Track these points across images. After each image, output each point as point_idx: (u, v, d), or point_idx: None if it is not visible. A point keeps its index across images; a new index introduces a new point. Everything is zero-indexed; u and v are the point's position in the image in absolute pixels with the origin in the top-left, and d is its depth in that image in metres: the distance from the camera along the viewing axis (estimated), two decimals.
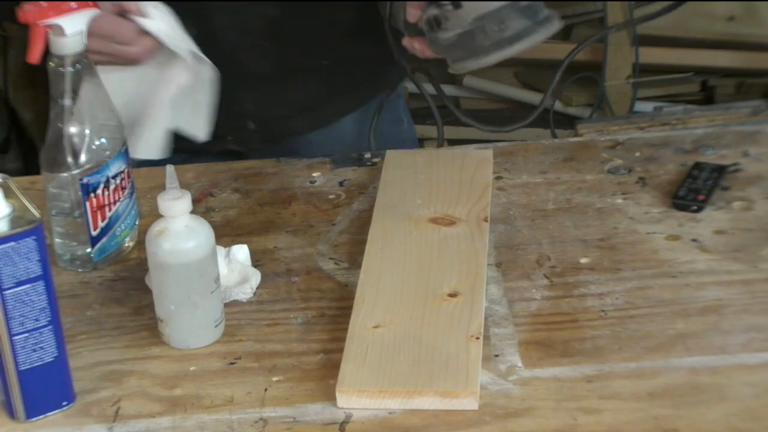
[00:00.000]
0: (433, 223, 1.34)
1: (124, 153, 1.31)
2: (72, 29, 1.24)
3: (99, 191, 1.29)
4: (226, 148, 1.63)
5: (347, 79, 1.62)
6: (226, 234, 1.37)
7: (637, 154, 1.50)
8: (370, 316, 1.18)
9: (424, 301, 1.21)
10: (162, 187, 1.15)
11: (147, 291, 1.24)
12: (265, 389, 1.12)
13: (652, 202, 1.40)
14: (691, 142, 1.52)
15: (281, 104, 1.61)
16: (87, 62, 1.26)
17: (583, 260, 1.29)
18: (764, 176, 1.43)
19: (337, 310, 1.23)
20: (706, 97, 3.34)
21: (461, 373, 1.10)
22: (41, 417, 1.10)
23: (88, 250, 1.31)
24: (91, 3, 1.26)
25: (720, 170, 1.43)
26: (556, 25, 1.31)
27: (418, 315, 1.19)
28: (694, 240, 1.32)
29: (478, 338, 1.14)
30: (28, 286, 1.04)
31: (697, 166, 1.45)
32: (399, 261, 1.28)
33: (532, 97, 3.31)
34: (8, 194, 1.05)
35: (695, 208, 1.37)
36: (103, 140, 1.29)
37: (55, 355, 1.08)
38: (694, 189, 1.39)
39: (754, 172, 1.45)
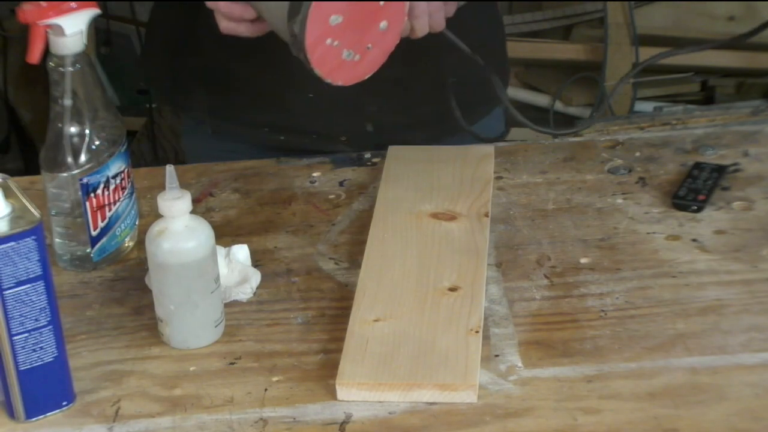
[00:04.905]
0: (434, 218, 1.35)
1: (124, 153, 1.31)
2: (72, 29, 1.24)
3: (99, 191, 1.29)
4: (337, 149, 1.58)
5: (468, 99, 1.54)
6: (226, 234, 1.37)
7: (637, 154, 1.50)
8: (370, 310, 1.19)
9: (425, 295, 1.21)
10: (162, 187, 1.15)
11: (147, 291, 1.24)
12: (265, 389, 1.12)
13: (652, 202, 1.40)
14: (691, 142, 1.52)
15: (403, 113, 1.57)
16: (87, 62, 1.26)
17: (583, 260, 1.29)
18: (764, 176, 1.43)
19: (337, 310, 1.23)
20: (706, 97, 3.34)
21: (460, 366, 1.10)
22: (41, 417, 1.10)
23: (88, 250, 1.31)
24: (91, 3, 1.26)
25: (720, 170, 1.43)
26: None
27: (418, 309, 1.19)
28: (694, 240, 1.32)
29: (477, 332, 1.15)
30: (28, 286, 1.04)
31: (697, 166, 1.45)
32: (400, 255, 1.28)
33: (533, 97, 3.31)
34: (8, 194, 1.05)
35: (695, 208, 1.37)
36: (103, 140, 1.29)
37: (54, 355, 1.08)
38: (694, 189, 1.39)
39: (754, 172, 1.45)
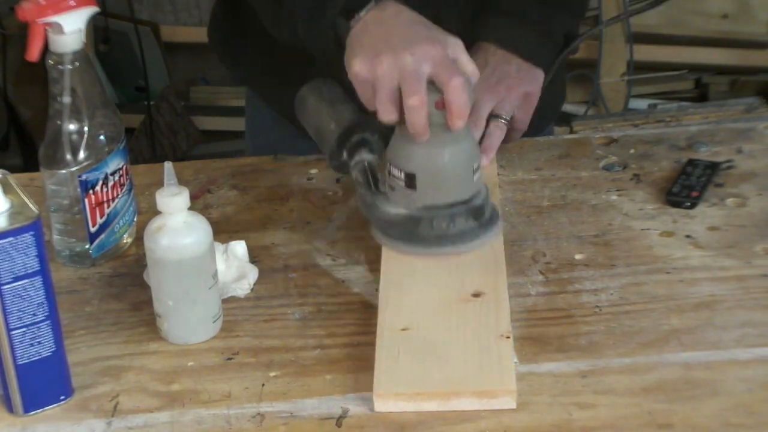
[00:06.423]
0: None
1: (123, 150, 1.32)
2: (71, 27, 1.24)
3: (97, 188, 1.30)
4: None
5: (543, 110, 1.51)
6: (223, 230, 1.37)
7: (632, 151, 1.51)
8: (396, 319, 1.17)
9: (449, 302, 1.20)
10: (160, 184, 1.15)
11: (145, 287, 1.25)
12: (263, 384, 1.13)
13: (646, 198, 1.40)
14: (685, 139, 1.53)
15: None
16: (86, 59, 1.27)
17: (578, 256, 1.29)
18: (757, 173, 1.44)
19: (333, 305, 1.24)
20: (700, 95, 3.35)
21: (495, 372, 1.09)
22: (39, 411, 1.10)
23: (87, 246, 1.32)
24: (89, 0, 1.26)
25: (713, 167, 1.44)
26: (499, 228, 1.30)
27: (444, 316, 1.18)
28: (687, 236, 1.32)
29: (508, 337, 1.14)
30: (26, 281, 1.05)
31: (691, 162, 1.45)
32: (418, 263, 1.26)
33: None
34: (8, 190, 1.06)
35: (689, 204, 1.37)
36: (101, 137, 1.29)
37: (52, 349, 1.09)
38: (688, 186, 1.40)
39: (748, 168, 1.45)
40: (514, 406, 1.07)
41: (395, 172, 1.27)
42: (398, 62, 1.21)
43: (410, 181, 1.26)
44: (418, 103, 1.20)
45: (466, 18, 1.48)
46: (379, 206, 1.29)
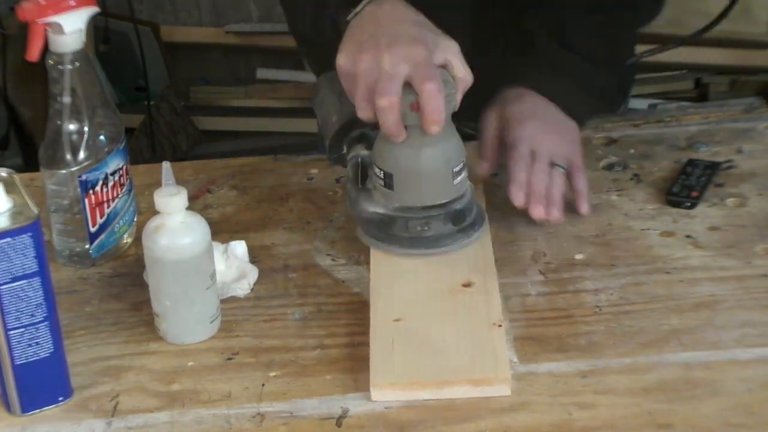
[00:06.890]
0: None
1: (123, 150, 1.32)
2: (71, 27, 1.24)
3: (97, 188, 1.30)
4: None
5: None
6: (223, 230, 1.37)
7: (632, 150, 1.51)
8: (389, 311, 1.19)
9: (440, 292, 1.21)
10: (160, 184, 1.15)
11: (145, 287, 1.24)
12: (263, 384, 1.13)
13: (646, 198, 1.40)
14: (685, 139, 1.53)
15: None
16: (86, 60, 1.27)
17: (578, 256, 1.30)
18: (757, 173, 1.44)
19: (333, 305, 1.24)
20: (700, 95, 3.35)
21: (490, 360, 1.11)
22: (37, 411, 1.10)
23: (87, 246, 1.32)
24: (90, 0, 1.26)
25: (713, 167, 1.44)
26: (480, 234, 1.30)
27: (435, 306, 1.19)
28: (688, 236, 1.33)
29: (500, 325, 1.15)
30: (24, 282, 1.05)
31: (691, 162, 1.45)
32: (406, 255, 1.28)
33: None
34: (11, 190, 1.06)
35: (689, 204, 1.37)
36: (101, 137, 1.29)
37: (51, 350, 1.09)
38: (688, 186, 1.40)
39: (748, 168, 1.45)
40: (508, 393, 1.09)
41: (376, 170, 1.28)
42: (377, 61, 1.20)
43: (388, 180, 1.26)
44: (387, 105, 1.20)
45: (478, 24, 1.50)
46: (361, 203, 1.30)
